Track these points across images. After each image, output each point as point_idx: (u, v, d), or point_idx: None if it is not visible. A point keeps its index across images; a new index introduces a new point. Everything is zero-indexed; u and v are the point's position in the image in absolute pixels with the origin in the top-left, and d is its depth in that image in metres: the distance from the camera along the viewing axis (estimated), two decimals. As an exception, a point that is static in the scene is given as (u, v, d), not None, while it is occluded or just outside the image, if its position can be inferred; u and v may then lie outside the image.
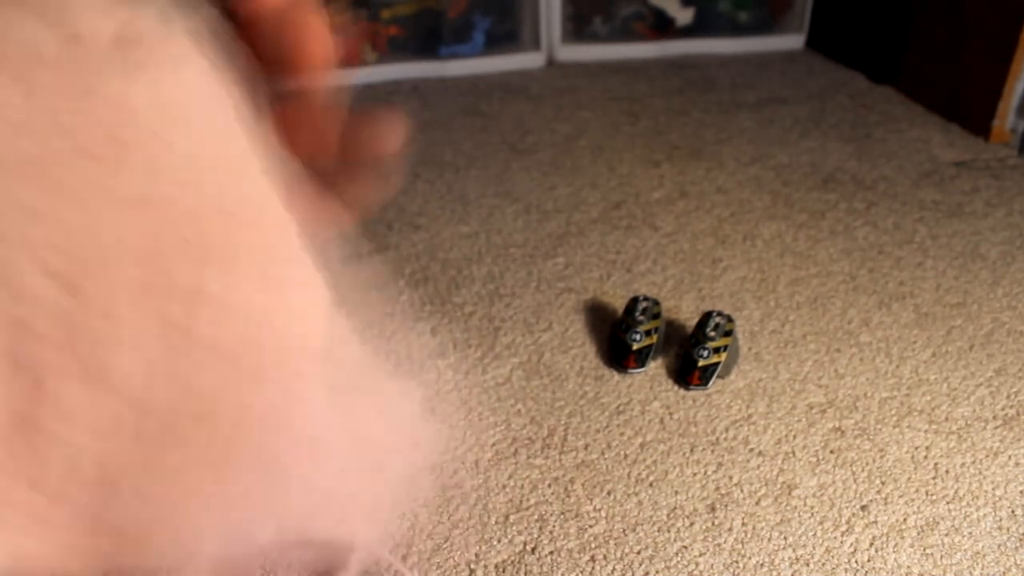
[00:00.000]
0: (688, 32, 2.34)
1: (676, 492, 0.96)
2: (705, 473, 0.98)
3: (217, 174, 0.31)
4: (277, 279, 0.34)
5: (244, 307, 0.32)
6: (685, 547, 0.89)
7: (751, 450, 1.01)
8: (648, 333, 1.14)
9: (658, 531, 0.91)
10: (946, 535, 0.90)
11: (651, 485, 0.97)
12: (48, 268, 0.27)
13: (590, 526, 0.91)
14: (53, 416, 0.28)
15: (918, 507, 0.93)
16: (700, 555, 0.88)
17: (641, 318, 1.16)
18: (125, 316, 0.29)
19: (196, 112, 0.30)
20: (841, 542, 0.89)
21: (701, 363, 1.10)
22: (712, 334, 1.12)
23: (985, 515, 0.92)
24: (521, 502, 0.94)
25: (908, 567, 0.87)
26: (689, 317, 1.24)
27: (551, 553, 0.88)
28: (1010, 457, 1.00)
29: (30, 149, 0.25)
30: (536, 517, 0.92)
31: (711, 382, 1.10)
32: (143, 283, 0.29)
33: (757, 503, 0.94)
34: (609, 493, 0.96)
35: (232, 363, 0.33)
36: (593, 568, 0.87)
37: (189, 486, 0.33)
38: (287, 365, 0.35)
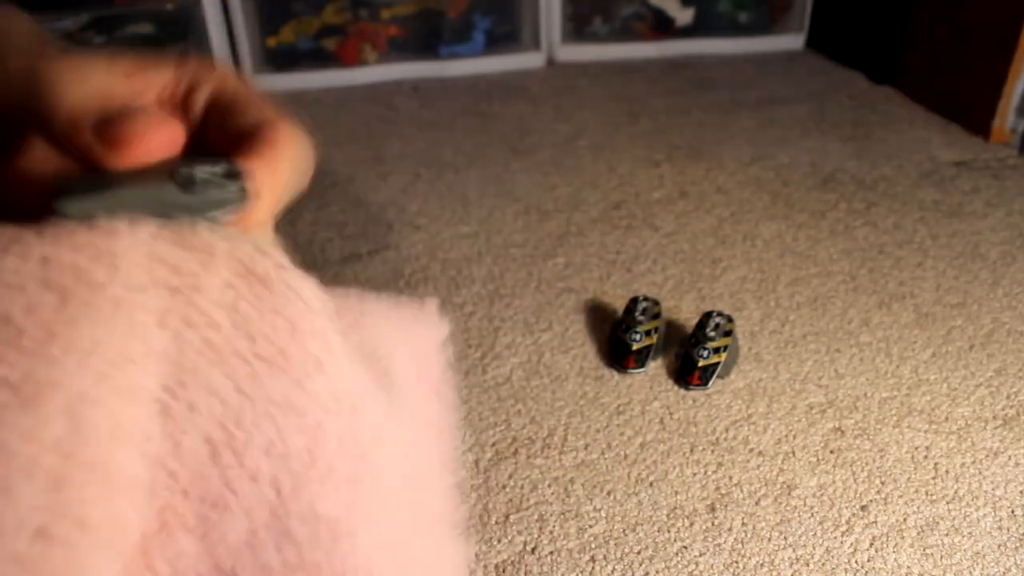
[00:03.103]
0: (688, 32, 2.34)
1: (676, 492, 0.96)
2: (705, 473, 0.98)
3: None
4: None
5: None
6: (685, 547, 0.89)
7: (751, 450, 1.01)
8: (648, 333, 1.14)
9: (658, 531, 0.91)
10: (946, 535, 0.90)
11: (651, 485, 0.97)
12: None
13: (590, 526, 0.91)
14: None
15: (918, 507, 0.93)
16: (700, 555, 0.88)
17: (641, 318, 1.16)
18: None
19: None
20: (841, 542, 0.89)
21: (701, 363, 1.10)
22: (712, 334, 1.12)
23: (985, 515, 0.92)
24: (521, 502, 0.94)
25: (908, 567, 0.87)
26: (689, 317, 1.24)
27: (551, 553, 0.88)
28: (1010, 457, 1.00)
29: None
30: (536, 517, 0.92)
31: (711, 382, 1.10)
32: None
33: (757, 503, 0.94)
34: (609, 493, 0.95)
35: None
36: (593, 568, 0.87)
37: None
38: None
